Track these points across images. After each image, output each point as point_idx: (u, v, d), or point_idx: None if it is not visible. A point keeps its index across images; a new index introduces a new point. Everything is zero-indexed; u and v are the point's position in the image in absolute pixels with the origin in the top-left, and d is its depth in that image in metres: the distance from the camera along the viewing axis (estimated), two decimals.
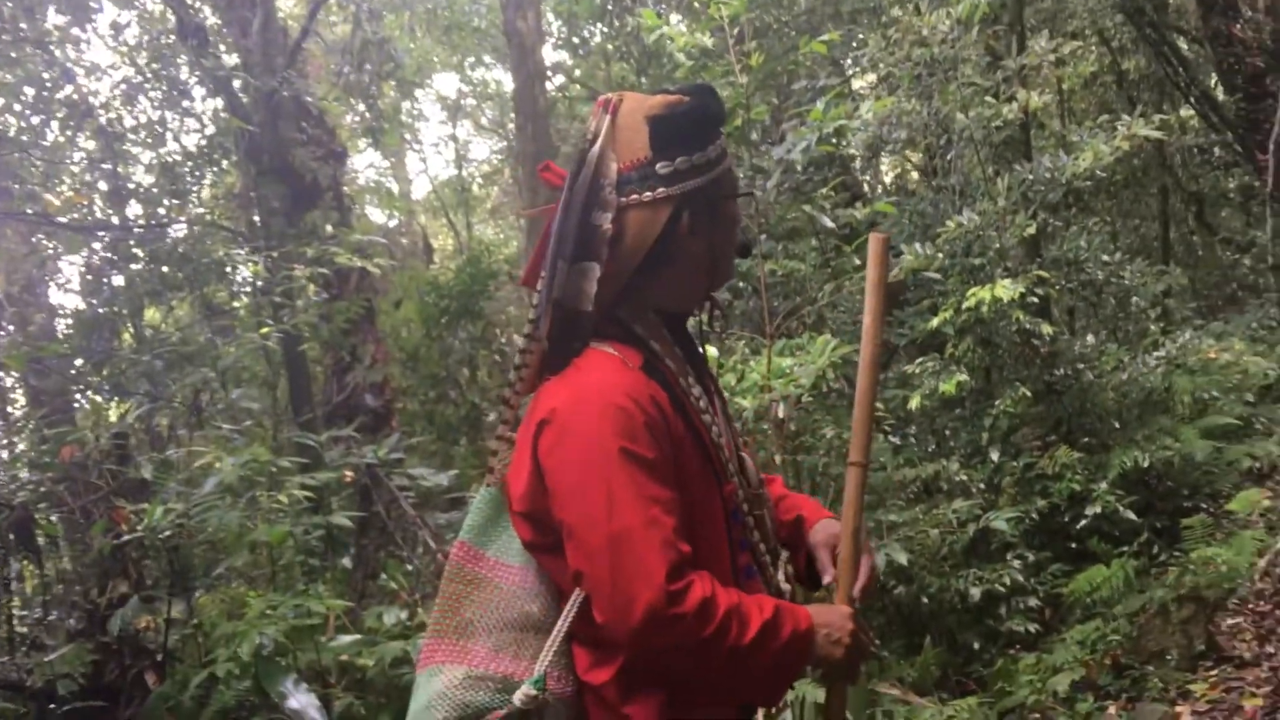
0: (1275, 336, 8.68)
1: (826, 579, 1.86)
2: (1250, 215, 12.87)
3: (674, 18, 12.86)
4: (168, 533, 4.24)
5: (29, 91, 8.57)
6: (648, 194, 1.76)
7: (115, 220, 8.98)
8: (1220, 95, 11.69)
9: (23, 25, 7.98)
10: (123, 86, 9.04)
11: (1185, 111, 13.25)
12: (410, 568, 5.49)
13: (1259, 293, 11.43)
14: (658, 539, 1.57)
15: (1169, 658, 4.62)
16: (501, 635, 1.74)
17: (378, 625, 4.47)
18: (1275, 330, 8.67)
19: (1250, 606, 5.13)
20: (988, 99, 7.14)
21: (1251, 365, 7.81)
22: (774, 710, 1.88)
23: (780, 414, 5.37)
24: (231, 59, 9.64)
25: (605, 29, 14.01)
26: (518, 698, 1.67)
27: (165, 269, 7.91)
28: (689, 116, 1.79)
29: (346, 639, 4.30)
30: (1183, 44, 12.37)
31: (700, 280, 1.85)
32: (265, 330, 5.88)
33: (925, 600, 5.39)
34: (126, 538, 4.32)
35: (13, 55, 7.95)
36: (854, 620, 1.76)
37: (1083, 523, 5.86)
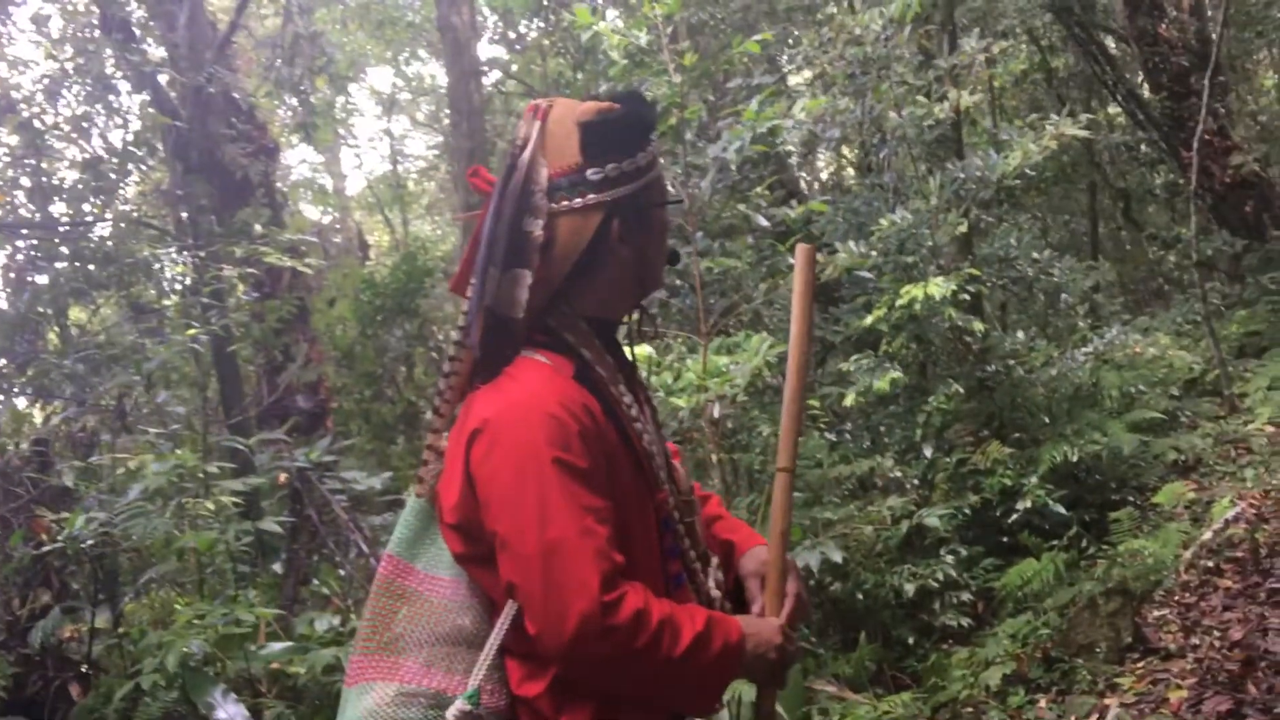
0: (1199, 331, 8.87)
1: (754, 610, 1.86)
2: (1175, 212, 13.15)
3: (610, 13, 12.87)
4: (90, 541, 4.14)
5: None
6: (578, 200, 1.75)
7: (39, 218, 8.75)
8: (1146, 93, 11.94)
9: None
10: (45, 81, 8.82)
11: (1113, 109, 13.52)
12: (343, 573, 5.42)
13: (1184, 288, 11.69)
14: (591, 549, 1.56)
15: (1098, 650, 4.70)
16: (433, 650, 1.72)
17: (310, 632, 4.41)
18: (1199, 325, 8.86)
19: (1176, 598, 5.23)
20: (920, 98, 7.20)
21: (1176, 359, 7.98)
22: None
23: (716, 413, 5.38)
24: (158, 53, 9.46)
25: (541, 24, 13.96)
26: (451, 713, 1.65)
27: (91, 268, 7.74)
28: (620, 123, 1.79)
29: (277, 646, 4.23)
30: (1110, 43, 12.62)
31: (630, 288, 1.85)
32: (193, 331, 5.77)
33: (860, 596, 5.43)
34: (48, 548, 4.22)
35: None
36: (782, 632, 1.77)
37: (1014, 517, 5.94)
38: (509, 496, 1.61)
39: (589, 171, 1.75)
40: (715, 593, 1.85)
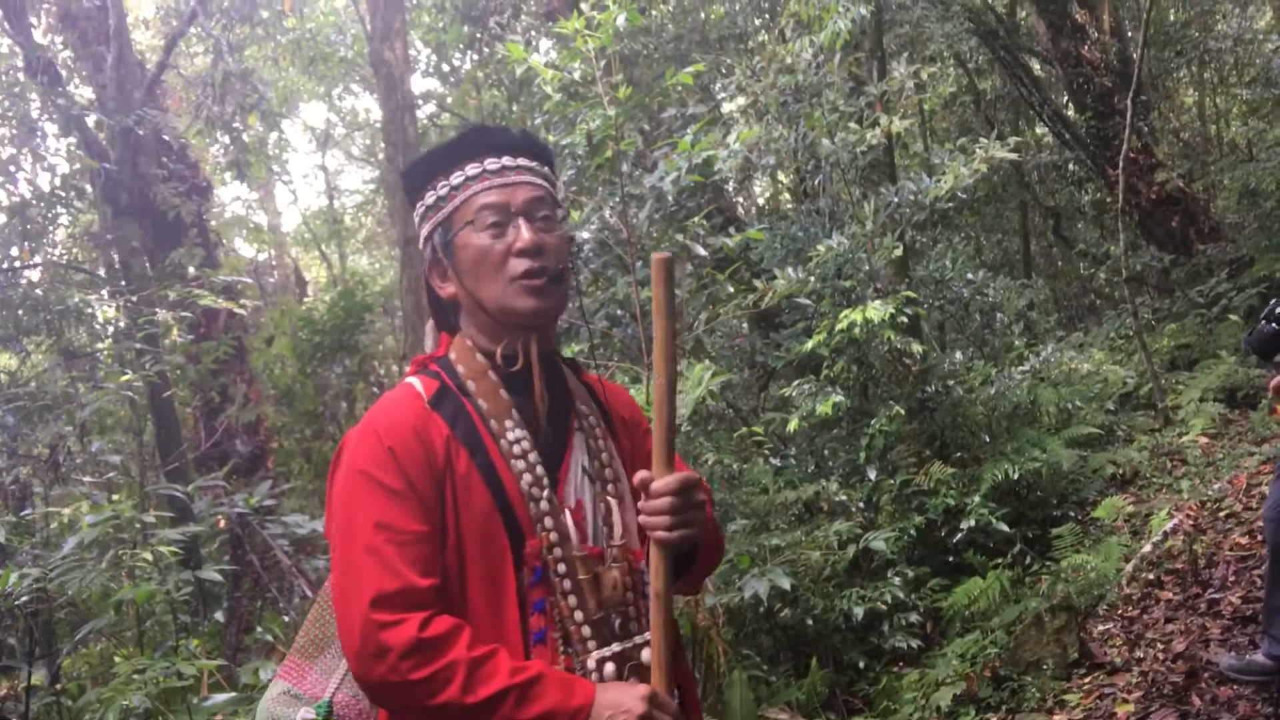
0: (1132, 345, 9.05)
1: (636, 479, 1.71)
2: (1104, 228, 13.43)
3: (544, 43, 12.89)
4: (25, 598, 4.03)
5: None
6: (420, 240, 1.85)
7: None
8: (1072, 113, 12.21)
9: None
10: None
11: (1040, 129, 13.79)
12: (287, 619, 5.33)
13: (1115, 303, 11.93)
14: (374, 565, 1.55)
15: (1045, 667, 4.74)
16: (334, 657, 1.79)
17: (254, 681, 4.31)
18: (1131, 339, 9.04)
19: (1120, 612, 5.30)
20: (852, 124, 7.29)
21: (1111, 374, 8.13)
22: None
23: None
24: (86, 93, 9.33)
25: (475, 57, 13.96)
26: (299, 716, 1.72)
27: (20, 314, 7.58)
28: (422, 160, 1.83)
29: (221, 698, 4.14)
30: (1035, 65, 12.89)
31: (484, 319, 1.75)
32: (128, 377, 5.66)
33: (810, 622, 5.43)
34: None
35: None
36: (650, 702, 1.58)
37: (959, 536, 5.99)
38: (329, 508, 1.68)
39: (414, 214, 1.85)
40: (607, 668, 1.67)
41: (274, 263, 16.18)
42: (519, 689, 1.52)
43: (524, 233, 1.72)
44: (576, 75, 5.91)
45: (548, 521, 1.68)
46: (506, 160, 1.76)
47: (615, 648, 1.70)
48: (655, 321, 1.69)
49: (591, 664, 1.67)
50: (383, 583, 1.53)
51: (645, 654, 1.69)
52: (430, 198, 1.78)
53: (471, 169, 1.75)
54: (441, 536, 1.62)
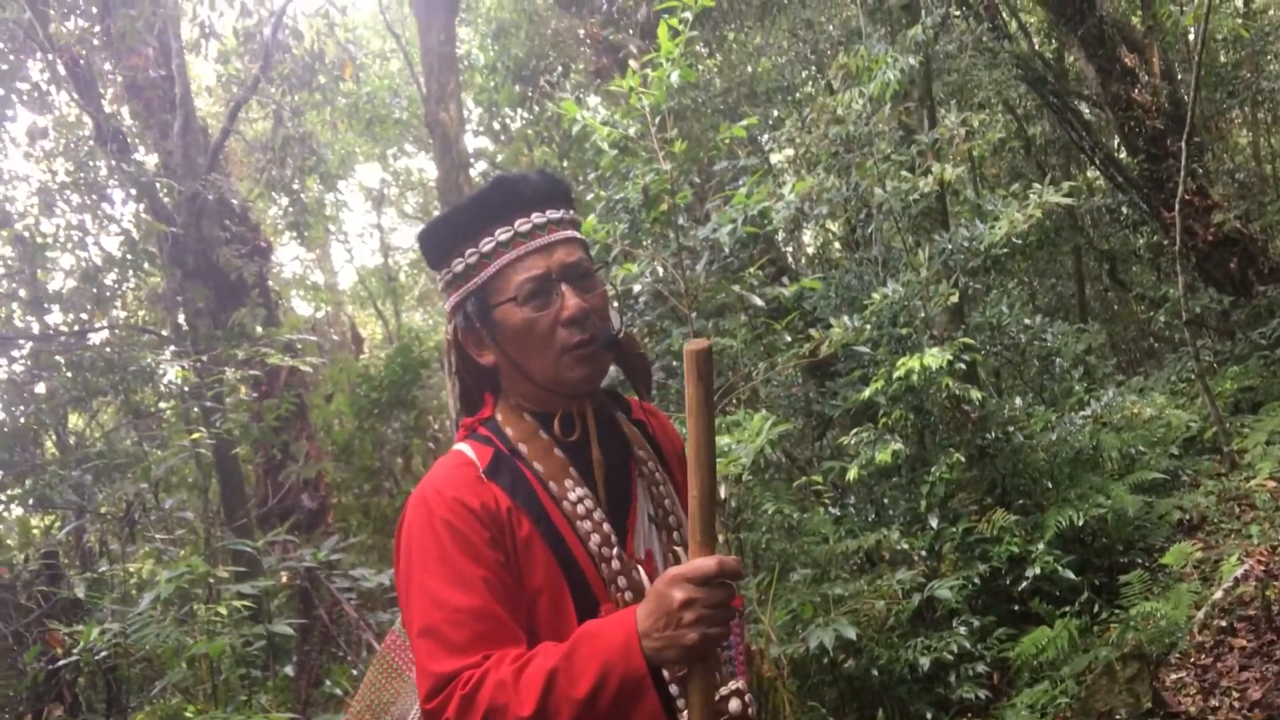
0: (1194, 389, 8.93)
1: None
2: (1160, 271, 13.29)
3: (593, 99, 13.09)
4: (104, 653, 4.11)
5: None
6: (445, 305, 1.78)
7: (36, 328, 8.80)
8: (1123, 156, 12.15)
9: None
10: (40, 193, 8.93)
11: (1091, 173, 13.74)
12: (355, 672, 5.37)
13: (1175, 346, 11.78)
14: (430, 647, 1.54)
15: (1118, 717, 4.67)
16: None
17: None
18: (1193, 383, 8.92)
19: (1192, 660, 5.21)
20: (904, 173, 7.33)
21: (1174, 418, 8.02)
22: None
23: (722, 494, 5.39)
24: (152, 159, 9.59)
25: (526, 115, 14.19)
26: None
27: (89, 376, 7.76)
28: (444, 224, 1.76)
29: None
30: (1084, 109, 12.87)
31: (528, 387, 1.71)
32: (197, 435, 5.78)
33: (875, 673, 5.39)
34: (62, 662, 4.19)
35: None
36: (679, 582, 1.44)
37: (1024, 584, 5.93)
38: (397, 583, 1.67)
39: (439, 278, 1.77)
40: None
41: (330, 321, 16.44)
42: (556, 669, 1.45)
43: (569, 300, 1.66)
44: (631, 131, 6.01)
45: (621, 580, 1.64)
46: (536, 218, 1.69)
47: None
48: (690, 420, 1.52)
49: None
50: (439, 665, 1.51)
51: (734, 704, 1.60)
52: (458, 265, 1.71)
53: (501, 233, 1.68)
54: (508, 607, 1.57)
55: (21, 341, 8.50)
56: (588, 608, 1.60)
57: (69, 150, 9.43)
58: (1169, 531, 6.90)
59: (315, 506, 9.00)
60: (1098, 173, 13.12)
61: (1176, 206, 8.68)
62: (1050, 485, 6.77)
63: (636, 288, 6.78)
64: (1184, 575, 6.13)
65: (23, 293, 8.98)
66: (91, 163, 8.79)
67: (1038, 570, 5.86)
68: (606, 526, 1.66)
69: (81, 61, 8.93)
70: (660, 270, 6.19)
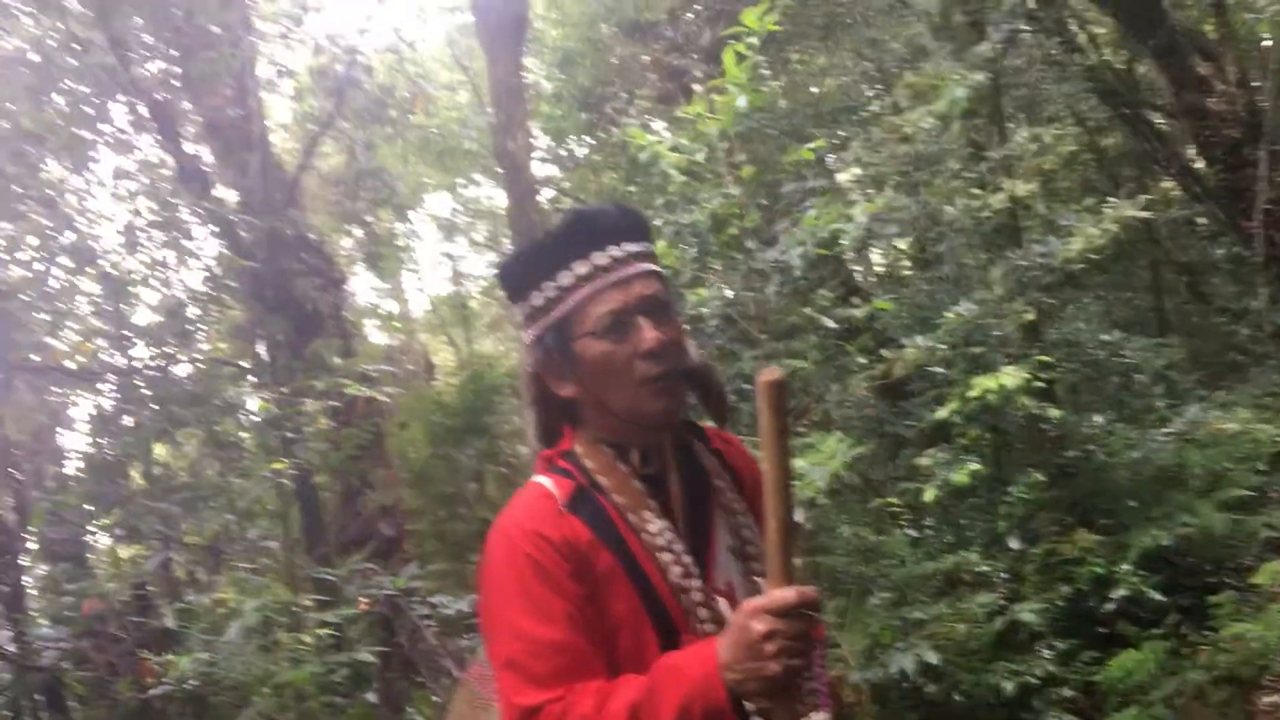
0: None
1: None
2: (1241, 283, 12.97)
3: (657, 124, 13.17)
4: (195, 682, 4.21)
5: (32, 241, 8.73)
6: (525, 338, 1.80)
7: (121, 363, 9.05)
8: (1199, 166, 11.91)
9: (24, 184, 8.17)
10: (125, 232, 9.20)
11: (1166, 184, 13.48)
12: (437, 699, 5.43)
13: (1260, 360, 11.48)
14: (512, 680, 1.56)
15: None
16: None
17: None
18: (1279, 396, 8.69)
19: None
20: (974, 190, 7.27)
21: (1260, 434, 7.81)
22: None
23: (799, 518, 5.37)
24: (231, 196, 9.84)
25: (591, 141, 14.32)
26: None
27: (174, 408, 7.96)
28: (524, 259, 1.79)
29: None
30: (1158, 119, 12.65)
31: (608, 419, 1.73)
32: (279, 465, 5.90)
33: (958, 698, 5.32)
34: (155, 691, 4.29)
35: (20, 208, 8.10)
36: (758, 614, 1.45)
37: (1109, 606, 5.80)
38: (480, 616, 1.70)
39: (517, 311, 1.80)
40: None
41: (404, 349, 16.67)
42: (638, 703, 1.49)
43: (647, 333, 1.67)
44: (699, 157, 6.04)
45: (701, 612, 1.66)
46: (614, 251, 1.71)
47: None
48: (765, 452, 1.50)
49: None
50: (522, 698, 1.54)
51: None
52: (538, 299, 1.73)
53: (580, 267, 1.69)
54: (590, 639, 1.59)
55: (109, 376, 8.76)
56: (669, 639, 1.62)
57: (152, 190, 9.70)
58: (1259, 550, 6.70)
59: (393, 533, 9.12)
60: (1173, 184, 12.86)
61: (1258, 216, 8.50)
62: (1134, 504, 6.63)
63: (706, 310, 6.80)
64: (1275, 595, 5.96)
65: (109, 328, 9.25)
66: (174, 201, 9.04)
67: (1123, 591, 5.73)
68: (687, 558, 1.68)
69: (163, 103, 9.20)
70: (730, 294, 6.20)
